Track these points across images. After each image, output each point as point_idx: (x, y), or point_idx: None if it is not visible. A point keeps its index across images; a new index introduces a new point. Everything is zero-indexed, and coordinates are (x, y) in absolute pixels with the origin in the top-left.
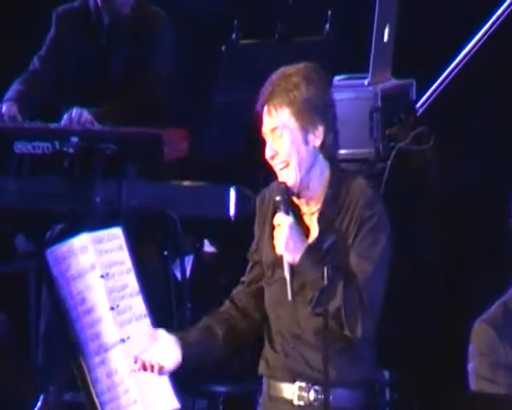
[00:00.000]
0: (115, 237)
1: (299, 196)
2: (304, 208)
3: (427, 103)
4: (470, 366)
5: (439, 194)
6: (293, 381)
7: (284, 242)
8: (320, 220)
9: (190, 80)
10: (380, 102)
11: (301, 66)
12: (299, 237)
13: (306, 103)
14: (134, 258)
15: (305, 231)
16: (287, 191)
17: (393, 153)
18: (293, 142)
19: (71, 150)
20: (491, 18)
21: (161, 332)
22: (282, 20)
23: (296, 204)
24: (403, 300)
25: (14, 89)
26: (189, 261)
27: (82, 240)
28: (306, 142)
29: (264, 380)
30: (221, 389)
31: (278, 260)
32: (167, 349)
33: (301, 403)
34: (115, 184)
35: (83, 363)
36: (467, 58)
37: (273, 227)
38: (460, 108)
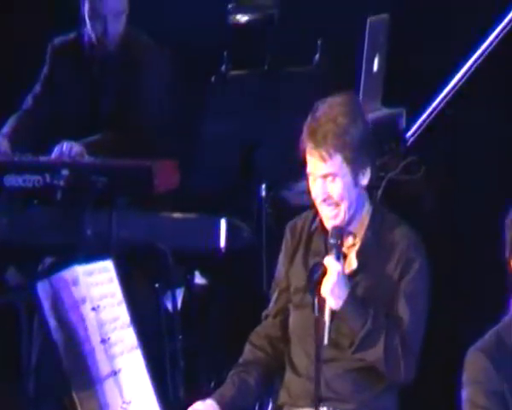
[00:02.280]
0: (106, 269)
1: None
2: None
3: (417, 133)
4: (464, 394)
5: (431, 225)
6: (317, 407)
7: (330, 288)
8: (359, 255)
9: (180, 111)
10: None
11: (345, 100)
12: (345, 285)
13: (357, 146)
14: (125, 290)
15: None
16: (341, 236)
17: (383, 183)
18: (345, 186)
19: (61, 183)
20: (479, 47)
21: (204, 403)
22: (271, 50)
23: None
24: None
25: (7, 125)
26: (179, 294)
27: (73, 273)
28: (356, 184)
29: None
30: None
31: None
32: None
33: None
34: (106, 216)
35: (74, 395)
36: (457, 87)
37: (307, 254)
38: (450, 137)
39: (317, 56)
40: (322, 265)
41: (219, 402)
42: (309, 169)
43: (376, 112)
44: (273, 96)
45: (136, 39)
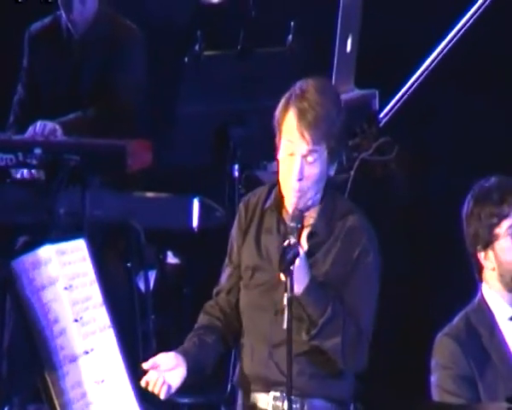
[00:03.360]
0: (78, 248)
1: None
2: None
3: (389, 114)
4: (433, 379)
5: (403, 205)
6: (268, 391)
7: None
8: (310, 239)
9: (154, 91)
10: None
11: (329, 87)
12: (306, 270)
13: (339, 138)
14: (97, 269)
15: None
16: (301, 220)
17: (356, 164)
18: (321, 172)
19: (34, 162)
20: (453, 29)
21: (167, 355)
22: (245, 31)
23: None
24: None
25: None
26: (152, 274)
27: (46, 252)
28: (327, 173)
29: (240, 391)
30: (185, 400)
31: (260, 266)
32: (175, 368)
33: None
34: (79, 195)
35: (47, 375)
36: (429, 68)
37: (259, 231)
38: (422, 118)
39: (290, 37)
40: (296, 246)
41: (183, 355)
42: (289, 145)
43: (349, 93)
44: (247, 77)
45: (113, 19)
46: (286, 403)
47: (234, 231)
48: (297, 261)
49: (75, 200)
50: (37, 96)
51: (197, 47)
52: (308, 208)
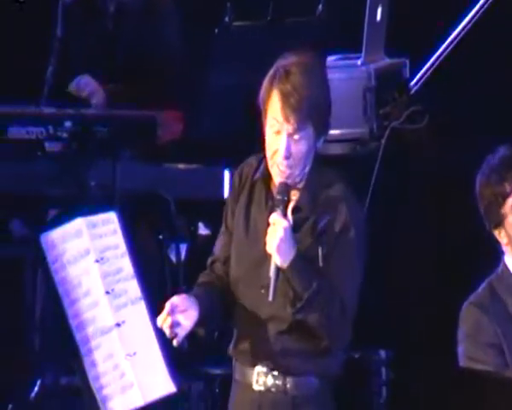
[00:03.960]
0: (109, 221)
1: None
2: None
3: (420, 82)
4: (460, 349)
5: (433, 175)
6: (254, 365)
7: (276, 243)
8: (295, 212)
9: (184, 62)
10: (373, 82)
11: (315, 65)
12: (292, 243)
13: (326, 114)
14: (129, 242)
15: None
16: (287, 192)
17: (387, 132)
18: (308, 148)
19: (64, 135)
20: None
21: (180, 296)
22: (274, 1)
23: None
24: (399, 283)
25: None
26: (183, 246)
27: (76, 224)
28: (315, 146)
29: (234, 362)
30: (217, 371)
31: (246, 241)
32: (187, 310)
33: (261, 388)
34: (109, 167)
35: (79, 347)
36: (460, 35)
37: (249, 203)
38: (453, 86)
39: (320, 6)
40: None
41: (195, 298)
42: (274, 123)
43: (379, 62)
44: (277, 47)
45: None
46: (269, 378)
47: (228, 199)
48: (280, 233)
49: (105, 172)
50: (71, 67)
51: (227, 18)
52: (296, 184)
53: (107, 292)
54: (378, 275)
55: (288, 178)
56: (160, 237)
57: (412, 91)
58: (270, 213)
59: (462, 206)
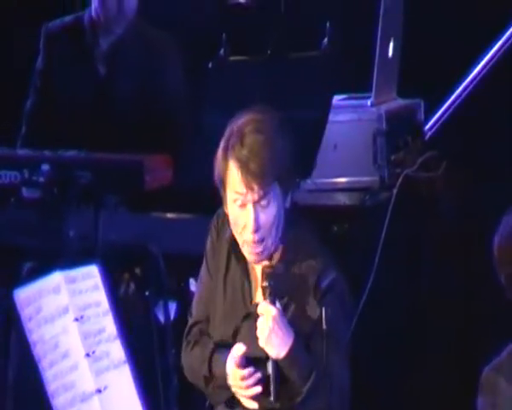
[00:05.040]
0: (90, 275)
1: None
2: None
3: (436, 126)
4: None
5: (451, 226)
6: None
7: (267, 336)
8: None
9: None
10: (384, 125)
11: (268, 119)
12: (285, 331)
13: (289, 167)
14: (112, 299)
15: (253, 279)
16: (275, 277)
17: (400, 180)
18: (278, 209)
19: (41, 179)
20: (506, 32)
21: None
22: (276, 34)
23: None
24: (411, 345)
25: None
26: (172, 304)
27: (54, 279)
28: (283, 205)
29: None
30: None
31: (223, 315)
32: None
33: None
34: (91, 216)
35: None
36: (480, 76)
37: (226, 273)
38: (473, 129)
39: (326, 41)
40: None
41: None
42: (237, 196)
43: (391, 102)
44: (276, 85)
45: (148, 32)
46: None
47: (208, 256)
48: (270, 324)
49: (87, 221)
50: (53, 103)
51: (222, 51)
52: (271, 255)
53: (88, 354)
54: (385, 342)
55: (260, 253)
56: (147, 293)
57: (427, 136)
58: (242, 279)
59: (484, 264)
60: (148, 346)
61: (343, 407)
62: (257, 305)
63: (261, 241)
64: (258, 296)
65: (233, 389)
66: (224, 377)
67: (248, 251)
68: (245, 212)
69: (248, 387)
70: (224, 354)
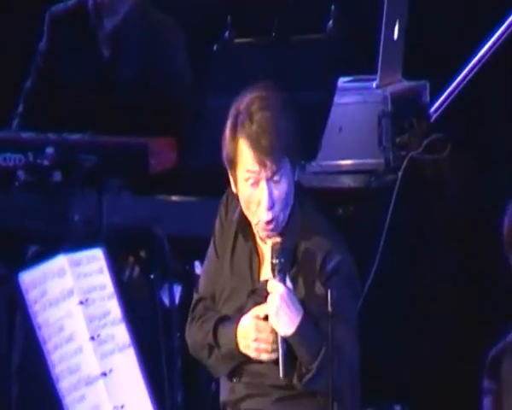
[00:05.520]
0: (95, 258)
1: None
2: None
3: (441, 108)
4: (487, 401)
5: (456, 209)
6: None
7: (274, 313)
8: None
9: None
10: (389, 107)
11: (274, 96)
12: (293, 309)
13: (295, 142)
14: (116, 282)
15: (261, 257)
16: (284, 254)
17: (405, 163)
18: (290, 186)
19: (45, 162)
20: (510, 16)
21: None
22: (280, 16)
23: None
24: (415, 328)
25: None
26: (177, 287)
27: (59, 263)
28: (294, 179)
29: None
30: None
31: (231, 290)
32: None
33: None
34: (95, 199)
35: (61, 399)
36: (486, 57)
37: (233, 250)
38: (479, 112)
39: (331, 23)
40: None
41: None
42: (250, 175)
43: (396, 85)
44: (282, 67)
45: (151, 14)
46: None
47: (217, 230)
48: (278, 302)
49: (91, 205)
50: (53, 85)
51: (227, 34)
52: (283, 229)
53: (93, 338)
54: (390, 324)
55: (274, 229)
56: (152, 276)
57: (433, 118)
58: (250, 254)
59: (488, 246)
60: (152, 329)
61: (352, 385)
62: (265, 282)
63: (275, 218)
64: (267, 273)
65: (244, 346)
66: (230, 345)
67: (262, 228)
68: (258, 190)
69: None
70: (229, 324)
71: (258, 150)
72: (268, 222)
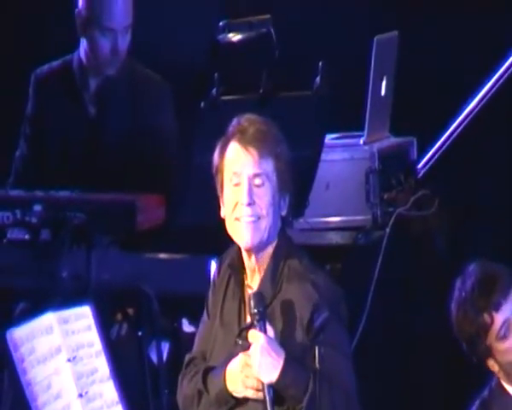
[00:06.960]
0: (83, 316)
1: (250, 255)
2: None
3: (429, 164)
4: None
5: (443, 265)
6: None
7: (257, 363)
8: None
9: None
10: (377, 163)
11: (270, 122)
12: (274, 355)
13: (286, 164)
14: (104, 339)
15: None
16: (262, 302)
17: (392, 219)
18: (271, 197)
19: (34, 220)
20: (497, 72)
21: None
22: (267, 73)
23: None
24: (402, 383)
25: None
26: (166, 344)
27: (47, 320)
28: (279, 207)
29: None
30: None
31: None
32: None
33: None
34: (84, 256)
35: None
36: (472, 114)
37: (221, 312)
38: (466, 168)
39: (318, 80)
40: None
41: None
42: (233, 177)
43: (384, 141)
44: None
45: (138, 71)
46: None
47: (210, 291)
48: (258, 351)
49: (80, 262)
50: (42, 151)
51: (214, 91)
52: (265, 244)
53: (81, 395)
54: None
55: (254, 231)
56: (140, 334)
57: (420, 174)
58: (240, 302)
59: None
60: (141, 386)
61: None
62: (244, 330)
63: (255, 216)
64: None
65: (232, 383)
66: (219, 387)
67: (241, 229)
68: (239, 189)
69: None
70: (218, 369)
71: (243, 139)
72: (247, 221)
